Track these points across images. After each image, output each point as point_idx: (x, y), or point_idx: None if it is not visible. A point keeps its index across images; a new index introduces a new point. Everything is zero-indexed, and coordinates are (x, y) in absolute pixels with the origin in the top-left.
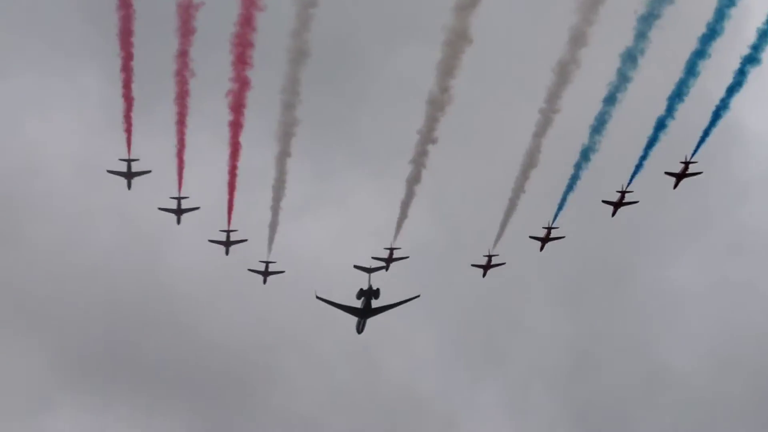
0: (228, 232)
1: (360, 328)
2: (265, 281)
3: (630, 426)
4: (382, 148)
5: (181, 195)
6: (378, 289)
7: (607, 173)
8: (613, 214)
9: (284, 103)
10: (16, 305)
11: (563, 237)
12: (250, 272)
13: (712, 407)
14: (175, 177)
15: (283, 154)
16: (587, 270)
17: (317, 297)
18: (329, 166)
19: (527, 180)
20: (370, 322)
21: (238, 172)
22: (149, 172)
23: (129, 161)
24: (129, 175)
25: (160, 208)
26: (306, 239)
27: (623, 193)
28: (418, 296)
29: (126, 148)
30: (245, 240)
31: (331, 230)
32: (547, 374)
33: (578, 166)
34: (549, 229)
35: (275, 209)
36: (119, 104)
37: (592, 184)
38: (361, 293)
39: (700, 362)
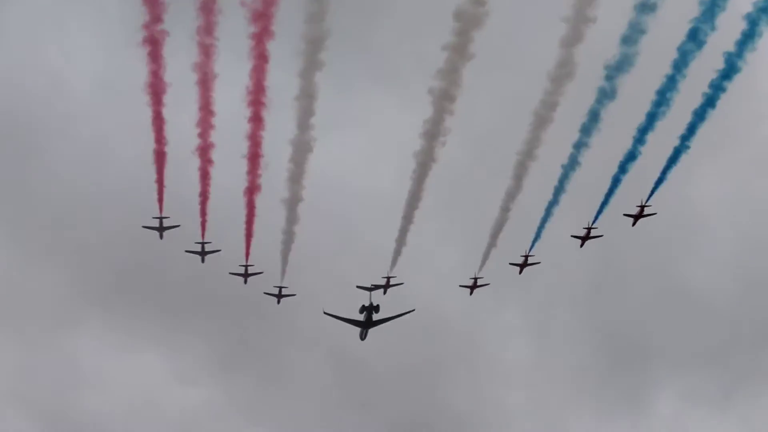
0: (246, 266)
1: (363, 336)
2: (279, 302)
3: (651, 345)
4: (405, 64)
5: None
6: (378, 305)
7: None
8: (582, 245)
9: (310, 14)
10: (41, 226)
11: (539, 263)
12: (266, 294)
13: (733, 325)
14: (196, 95)
15: (311, 68)
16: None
17: (324, 312)
18: (352, 83)
19: (560, 95)
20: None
21: (265, 86)
22: (178, 226)
23: (161, 218)
24: (161, 230)
25: (186, 251)
26: (329, 158)
27: (589, 229)
28: (413, 310)
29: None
30: (261, 272)
31: (354, 149)
32: (569, 294)
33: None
34: (526, 256)
35: (303, 125)
36: (139, 20)
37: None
38: (363, 308)
39: (722, 280)
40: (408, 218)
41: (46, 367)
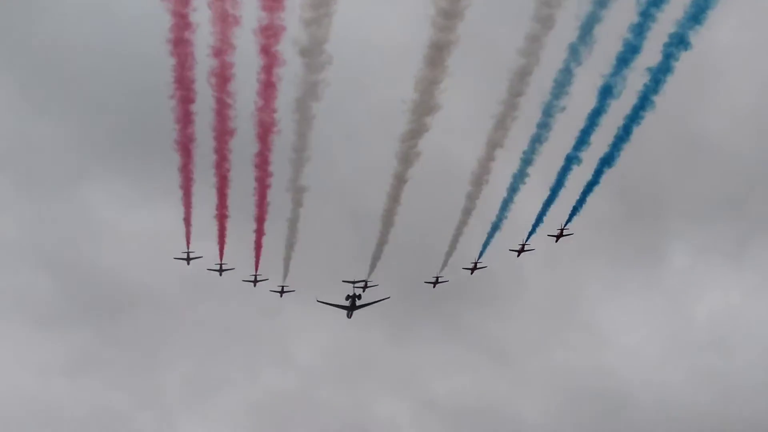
0: (255, 275)
1: (349, 316)
2: (281, 296)
3: (667, 196)
4: None
5: None
6: (360, 295)
7: None
8: (518, 255)
9: None
10: (51, 79)
11: (486, 266)
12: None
13: (749, 176)
14: None
15: None
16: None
17: (318, 300)
18: None
19: None
20: None
21: None
22: (201, 257)
23: (188, 252)
24: (188, 260)
25: (208, 269)
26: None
27: (523, 243)
28: (389, 297)
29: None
30: (267, 279)
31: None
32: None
33: None
34: (475, 263)
35: None
36: None
37: None
38: (348, 297)
39: (738, 130)
40: (427, 69)
41: (59, 220)
